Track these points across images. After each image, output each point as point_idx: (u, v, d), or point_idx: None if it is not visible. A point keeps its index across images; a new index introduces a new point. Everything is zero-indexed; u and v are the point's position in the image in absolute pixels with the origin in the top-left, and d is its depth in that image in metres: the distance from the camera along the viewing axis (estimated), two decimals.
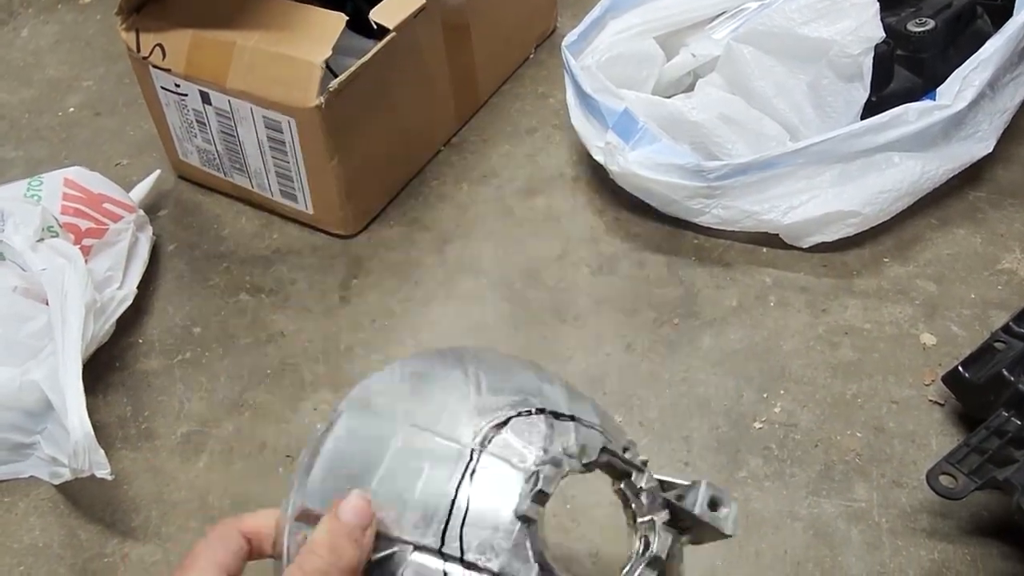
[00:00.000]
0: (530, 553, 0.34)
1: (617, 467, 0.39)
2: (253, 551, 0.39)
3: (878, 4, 0.83)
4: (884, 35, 0.81)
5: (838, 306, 0.80)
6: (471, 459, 0.36)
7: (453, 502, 0.35)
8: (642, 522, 0.38)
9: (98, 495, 0.72)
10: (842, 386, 0.74)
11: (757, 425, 0.72)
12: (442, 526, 0.35)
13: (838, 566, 0.63)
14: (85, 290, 0.74)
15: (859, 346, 0.77)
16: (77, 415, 0.67)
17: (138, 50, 0.88)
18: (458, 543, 0.34)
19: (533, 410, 0.39)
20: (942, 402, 0.72)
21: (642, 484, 0.38)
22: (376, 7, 0.85)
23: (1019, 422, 0.63)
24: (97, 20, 1.25)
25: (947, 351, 0.75)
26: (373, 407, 0.40)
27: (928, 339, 0.76)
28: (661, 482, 0.42)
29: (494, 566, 0.34)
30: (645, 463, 0.41)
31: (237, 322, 0.84)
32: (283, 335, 0.83)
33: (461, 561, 0.34)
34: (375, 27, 0.84)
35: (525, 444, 0.37)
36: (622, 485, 0.38)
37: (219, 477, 0.73)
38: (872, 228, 0.83)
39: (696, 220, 0.85)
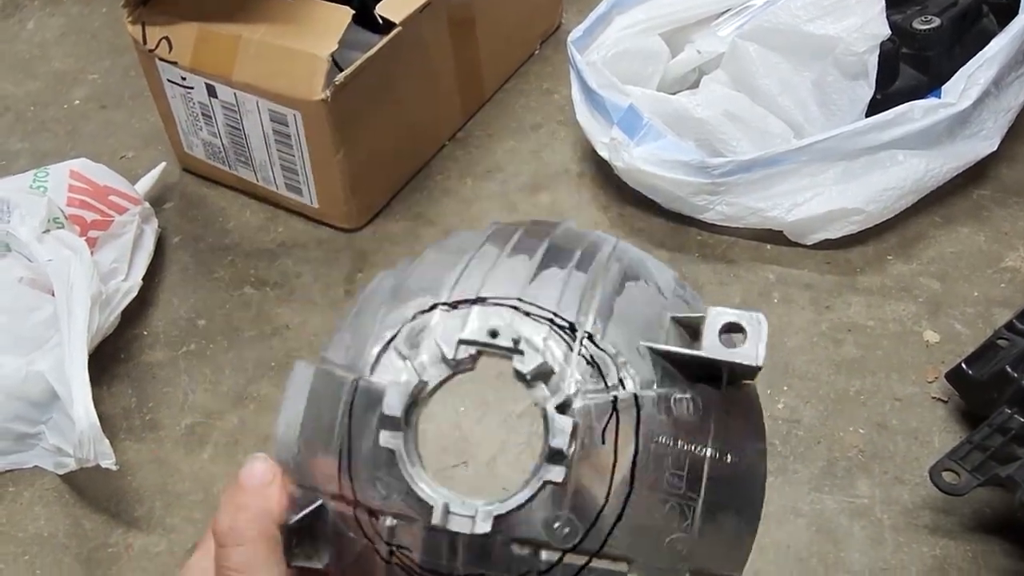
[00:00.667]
0: (407, 483, 0.31)
1: (495, 347, 0.31)
2: None
3: (884, 2, 0.83)
4: (890, 33, 0.81)
5: (842, 303, 0.80)
6: (351, 392, 0.32)
7: (340, 445, 0.32)
8: (541, 413, 0.31)
9: (103, 485, 0.72)
10: (845, 383, 0.74)
11: None
12: (336, 471, 0.32)
13: (840, 562, 0.63)
14: (91, 281, 0.74)
15: (862, 343, 0.77)
16: (83, 405, 0.67)
17: (144, 43, 0.88)
18: (350, 487, 0.32)
19: (427, 307, 0.34)
20: (945, 399, 0.72)
21: (523, 368, 0.31)
22: (382, 1, 0.85)
23: (1022, 419, 0.63)
24: (103, 13, 1.25)
25: (950, 348, 0.75)
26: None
27: (931, 336, 0.77)
28: (677, 318, 0.34)
29: (388, 505, 0.31)
30: (570, 327, 0.32)
31: (242, 315, 0.85)
32: (288, 328, 0.83)
33: (357, 505, 0.32)
34: (381, 21, 0.84)
35: (403, 358, 0.33)
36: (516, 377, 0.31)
37: (223, 469, 0.73)
38: (876, 226, 0.83)
39: (700, 216, 0.85)
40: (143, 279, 0.84)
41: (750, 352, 0.31)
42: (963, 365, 0.68)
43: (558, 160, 0.97)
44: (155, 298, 0.87)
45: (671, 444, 0.31)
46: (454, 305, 0.33)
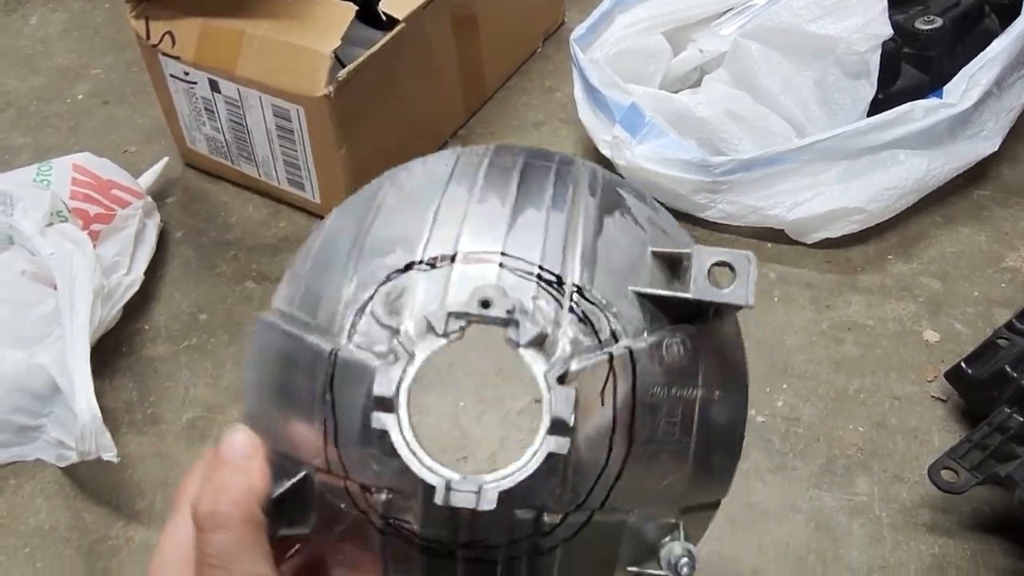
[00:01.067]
0: (403, 463, 0.29)
1: (488, 319, 0.30)
2: None
3: (886, 1, 0.83)
4: (892, 32, 0.82)
5: (842, 302, 0.80)
6: (331, 364, 0.31)
7: (324, 420, 0.31)
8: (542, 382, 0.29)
9: (104, 478, 0.72)
10: (845, 381, 0.74)
11: (760, 419, 0.72)
12: (321, 444, 0.31)
13: (839, 559, 0.64)
14: (93, 275, 0.74)
15: (862, 342, 0.77)
16: (85, 398, 0.67)
17: (148, 38, 0.88)
18: (339, 464, 0.31)
19: (402, 267, 0.32)
20: (944, 398, 0.72)
21: (518, 339, 0.29)
22: None
23: (1021, 418, 0.64)
24: (106, 8, 1.25)
25: (950, 348, 0.75)
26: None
27: (931, 336, 0.77)
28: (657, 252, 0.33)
29: (383, 481, 0.30)
30: (558, 284, 0.31)
31: (243, 309, 0.85)
32: None
33: (348, 479, 0.31)
34: (384, 18, 0.85)
35: (383, 327, 0.31)
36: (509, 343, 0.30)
37: None
38: (877, 225, 0.83)
39: (701, 215, 0.85)
40: (145, 273, 0.84)
41: (740, 293, 0.30)
42: (963, 364, 0.69)
43: None
44: (157, 292, 0.87)
45: (665, 393, 0.31)
46: (431, 264, 0.31)
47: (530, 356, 0.30)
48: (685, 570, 0.32)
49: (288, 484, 0.32)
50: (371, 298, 0.31)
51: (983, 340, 0.69)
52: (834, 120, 0.85)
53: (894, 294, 0.80)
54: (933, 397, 0.72)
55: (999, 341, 0.68)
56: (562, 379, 0.29)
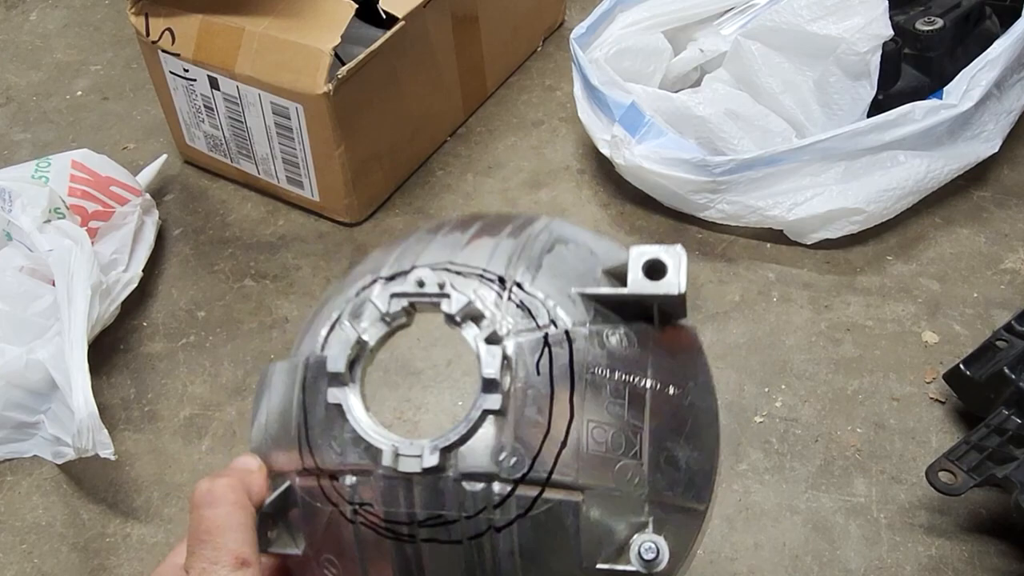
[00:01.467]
0: (356, 433, 0.33)
1: (424, 295, 0.34)
2: None
3: (887, 2, 0.83)
4: (892, 33, 0.82)
5: (841, 303, 0.80)
6: (304, 368, 0.35)
7: (298, 419, 0.35)
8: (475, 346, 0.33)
9: (101, 475, 0.72)
10: (843, 382, 0.74)
11: (758, 419, 0.72)
12: (296, 448, 0.34)
13: (836, 560, 0.64)
14: (91, 272, 0.74)
15: (861, 343, 0.77)
16: (82, 395, 0.67)
17: (147, 34, 0.88)
18: (310, 456, 0.34)
19: (367, 284, 0.36)
20: (943, 400, 0.72)
21: (450, 310, 0.33)
22: None
23: (1019, 420, 0.63)
24: (106, 4, 1.25)
25: (949, 349, 0.75)
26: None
27: (930, 337, 0.77)
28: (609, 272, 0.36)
29: (345, 462, 0.33)
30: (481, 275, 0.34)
31: (241, 307, 0.85)
32: (287, 321, 0.83)
33: (319, 474, 0.34)
34: (384, 16, 0.85)
35: (347, 328, 0.35)
36: (447, 320, 0.34)
37: (221, 460, 0.73)
38: (876, 226, 0.83)
39: (701, 215, 0.85)
40: (143, 270, 0.84)
41: (672, 283, 0.32)
42: (961, 366, 0.68)
43: (559, 157, 0.97)
44: (155, 289, 0.87)
45: (608, 375, 0.33)
46: (391, 277, 0.36)
47: (467, 329, 0.33)
48: (652, 559, 0.33)
49: (275, 494, 0.35)
50: (341, 314, 0.36)
51: (982, 342, 0.69)
52: (834, 120, 0.85)
53: (893, 295, 0.80)
54: (931, 398, 0.72)
55: (998, 343, 0.68)
56: (491, 340, 0.32)
